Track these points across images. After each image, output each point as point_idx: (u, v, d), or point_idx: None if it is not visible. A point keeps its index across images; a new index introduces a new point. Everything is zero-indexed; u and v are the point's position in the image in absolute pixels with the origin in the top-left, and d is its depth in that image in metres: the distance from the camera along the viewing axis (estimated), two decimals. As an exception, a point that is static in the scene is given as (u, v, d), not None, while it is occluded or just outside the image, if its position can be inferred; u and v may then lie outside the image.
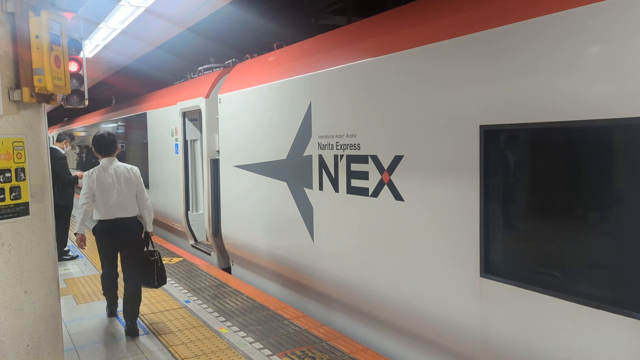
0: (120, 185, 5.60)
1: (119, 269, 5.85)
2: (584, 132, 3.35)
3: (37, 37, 2.75)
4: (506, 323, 3.85)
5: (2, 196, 2.71)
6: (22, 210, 2.81)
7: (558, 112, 3.41)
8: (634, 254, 3.09)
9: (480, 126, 3.95)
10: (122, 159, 11.19)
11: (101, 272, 6.04)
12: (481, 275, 4.00)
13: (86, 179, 5.59)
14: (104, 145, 5.74)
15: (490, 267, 3.97)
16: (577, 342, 3.36)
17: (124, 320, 5.73)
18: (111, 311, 6.21)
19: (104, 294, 6.24)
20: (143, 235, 5.81)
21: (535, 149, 3.77)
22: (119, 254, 5.76)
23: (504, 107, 3.78)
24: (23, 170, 2.82)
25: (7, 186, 2.74)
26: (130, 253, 5.68)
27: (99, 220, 5.61)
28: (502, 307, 3.87)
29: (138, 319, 5.79)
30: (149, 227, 5.92)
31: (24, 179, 2.83)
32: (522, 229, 3.90)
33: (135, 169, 5.84)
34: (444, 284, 4.35)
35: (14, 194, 2.77)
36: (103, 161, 5.71)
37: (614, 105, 3.11)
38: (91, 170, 5.68)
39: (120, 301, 5.99)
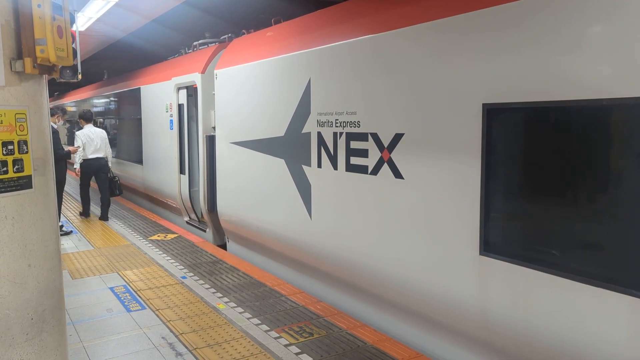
0: (96, 139, 10.20)
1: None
2: (588, 111, 3.35)
3: (39, 6, 2.69)
4: (505, 300, 3.90)
5: (5, 169, 2.67)
6: (25, 183, 2.77)
7: (563, 91, 3.41)
8: (633, 233, 3.13)
9: (483, 104, 3.94)
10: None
11: (80, 190, 10.71)
12: (480, 254, 4.04)
13: (78, 136, 10.12)
14: (87, 117, 10.52)
15: (490, 246, 4.00)
16: (576, 320, 3.42)
17: (118, 294, 5.84)
18: (86, 212, 10.74)
19: (82, 201, 10.71)
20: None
21: (538, 128, 3.77)
22: (93, 179, 10.50)
23: (507, 86, 3.77)
24: (25, 142, 2.77)
25: (10, 159, 2.70)
26: (102, 177, 10.33)
27: (84, 159, 10.15)
28: (501, 284, 3.91)
29: (133, 290, 5.92)
30: (110, 163, 10.58)
31: (27, 152, 2.79)
32: (522, 207, 3.92)
33: (104, 131, 10.59)
34: (443, 262, 4.39)
35: (16, 166, 2.73)
36: (86, 126, 10.34)
37: (619, 85, 3.11)
38: (81, 131, 10.25)
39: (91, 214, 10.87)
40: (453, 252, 4.29)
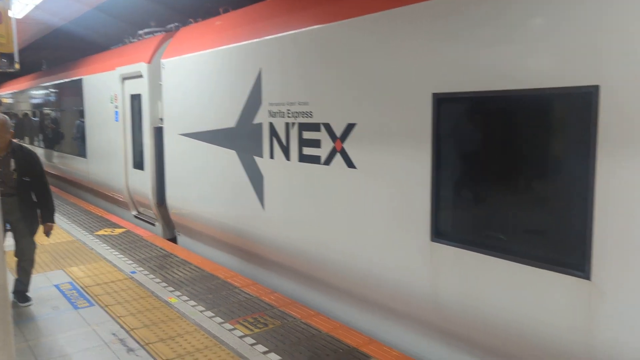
0: None
1: None
2: (532, 100, 3.49)
3: (-26, -12, 2.54)
4: (455, 284, 4.02)
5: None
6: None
7: (508, 80, 3.53)
8: (572, 217, 3.29)
9: (433, 94, 4.03)
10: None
11: None
12: (432, 240, 4.15)
13: None
14: None
15: (440, 232, 4.11)
16: (521, 300, 3.57)
17: (64, 292, 5.62)
18: None
19: None
20: None
21: (486, 117, 3.89)
22: None
23: (456, 75, 3.87)
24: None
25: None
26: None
27: None
28: (451, 269, 4.03)
29: (79, 287, 5.72)
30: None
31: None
32: (470, 194, 4.05)
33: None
34: (396, 249, 4.47)
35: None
36: None
37: (562, 74, 3.25)
38: None
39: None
40: (405, 240, 4.38)
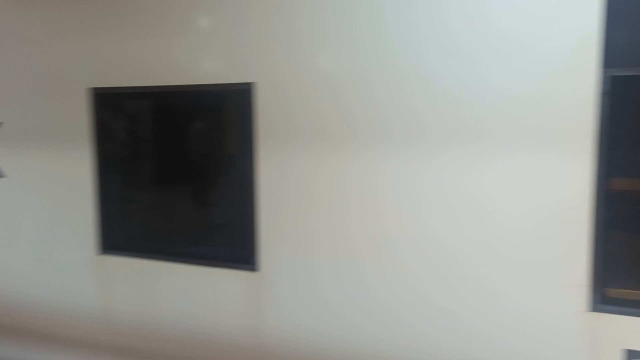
0: None
1: None
2: (198, 96, 3.42)
3: None
4: (129, 297, 3.71)
5: None
6: None
7: (168, 76, 3.39)
8: (239, 214, 3.36)
9: (90, 89, 3.61)
10: None
11: None
12: (98, 253, 3.74)
13: None
14: None
15: (109, 243, 3.74)
16: (202, 298, 3.50)
17: None
18: None
19: None
20: None
21: (150, 114, 3.69)
22: None
23: (115, 70, 3.54)
24: None
25: None
26: None
27: None
28: (124, 281, 3.71)
29: None
30: None
31: None
32: (139, 199, 3.80)
33: None
34: (59, 269, 3.92)
35: None
36: None
37: (223, 72, 3.27)
38: None
39: None
40: (69, 257, 3.85)
